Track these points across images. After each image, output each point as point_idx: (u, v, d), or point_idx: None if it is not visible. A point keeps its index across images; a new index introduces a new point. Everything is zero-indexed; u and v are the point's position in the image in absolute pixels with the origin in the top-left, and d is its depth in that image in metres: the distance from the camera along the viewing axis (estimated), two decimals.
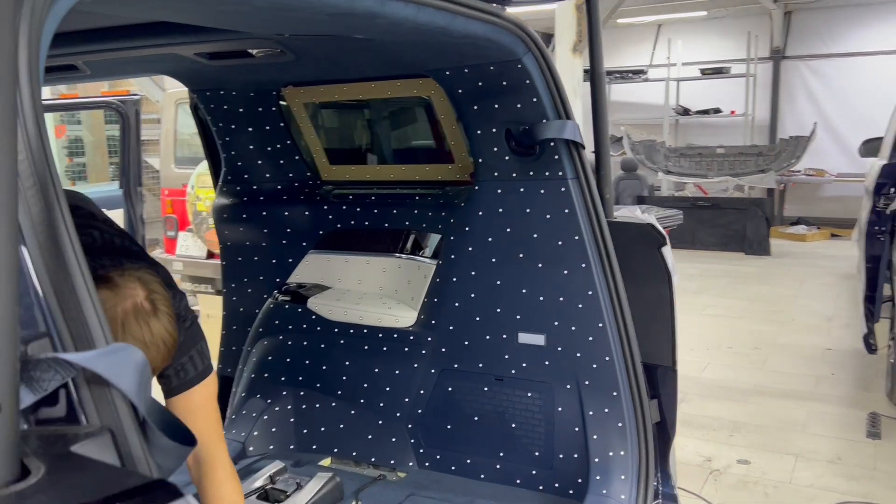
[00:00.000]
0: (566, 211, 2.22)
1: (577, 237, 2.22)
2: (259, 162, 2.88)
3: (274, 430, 2.77)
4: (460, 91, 2.29)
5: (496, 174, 2.33)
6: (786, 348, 6.22)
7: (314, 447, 2.73)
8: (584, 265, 2.22)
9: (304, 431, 2.75)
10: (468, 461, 2.49)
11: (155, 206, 8.88)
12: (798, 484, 3.92)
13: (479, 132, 2.32)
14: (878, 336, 5.16)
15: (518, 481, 2.42)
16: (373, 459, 2.65)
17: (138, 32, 1.90)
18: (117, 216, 5.00)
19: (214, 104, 2.81)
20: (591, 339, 2.24)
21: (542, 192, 2.26)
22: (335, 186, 2.90)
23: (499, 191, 2.34)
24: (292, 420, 2.77)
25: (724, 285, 8.64)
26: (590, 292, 2.22)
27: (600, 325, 2.22)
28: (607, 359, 2.22)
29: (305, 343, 2.77)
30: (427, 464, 2.56)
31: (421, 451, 2.57)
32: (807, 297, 8.00)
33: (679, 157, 11.35)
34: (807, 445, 4.35)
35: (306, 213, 2.85)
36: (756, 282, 8.82)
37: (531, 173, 2.27)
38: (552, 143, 2.20)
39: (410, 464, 2.58)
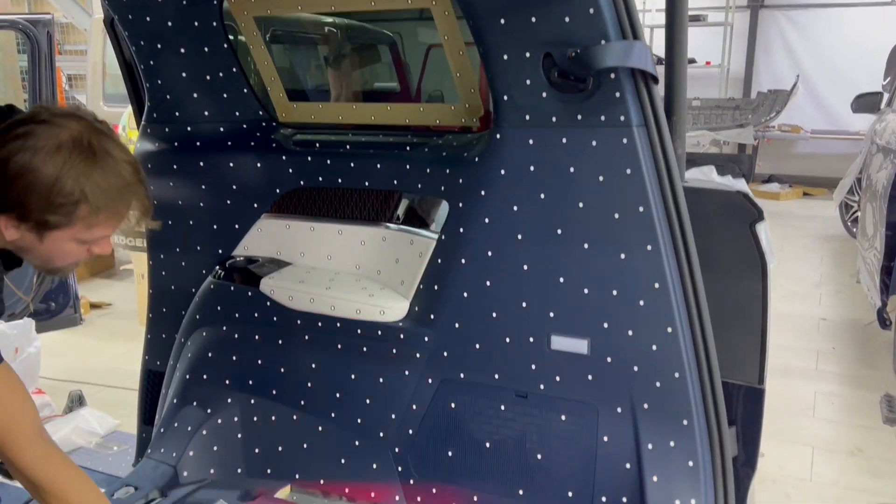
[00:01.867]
0: (628, 171, 1.59)
1: (641, 208, 1.59)
2: (194, 95, 2.16)
3: (215, 448, 2.12)
4: None
5: (527, 118, 1.67)
6: (778, 317, 5.78)
7: (269, 472, 2.09)
8: (649, 247, 1.60)
9: (256, 452, 2.11)
10: (475, 499, 1.89)
11: None
12: (820, 482, 3.47)
13: (504, 57, 1.65)
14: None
15: None
16: (346, 491, 2.03)
17: None
18: None
19: (134, 14, 2.07)
20: (654, 347, 1.64)
21: (594, 143, 1.61)
22: (296, 131, 2.21)
23: (530, 141, 1.68)
24: (240, 436, 2.12)
25: None
26: (656, 285, 1.61)
27: (669, 329, 1.62)
28: (677, 375, 1.63)
29: (257, 337, 2.10)
30: (419, 499, 1.96)
31: (411, 482, 1.96)
32: (789, 261, 7.60)
33: None
34: (821, 434, 3.91)
35: (258, 164, 2.16)
36: None
37: (579, 117, 1.62)
38: (612, 75, 1.55)
39: (397, 498, 1.97)
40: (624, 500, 1.72)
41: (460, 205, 1.81)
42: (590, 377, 1.71)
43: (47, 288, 4.30)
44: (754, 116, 10.10)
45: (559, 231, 1.69)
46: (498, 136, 1.73)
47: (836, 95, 11.19)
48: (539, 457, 1.80)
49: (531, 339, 1.76)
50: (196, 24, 2.09)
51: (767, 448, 3.73)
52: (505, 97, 1.69)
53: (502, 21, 1.62)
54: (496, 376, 1.81)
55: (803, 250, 8.10)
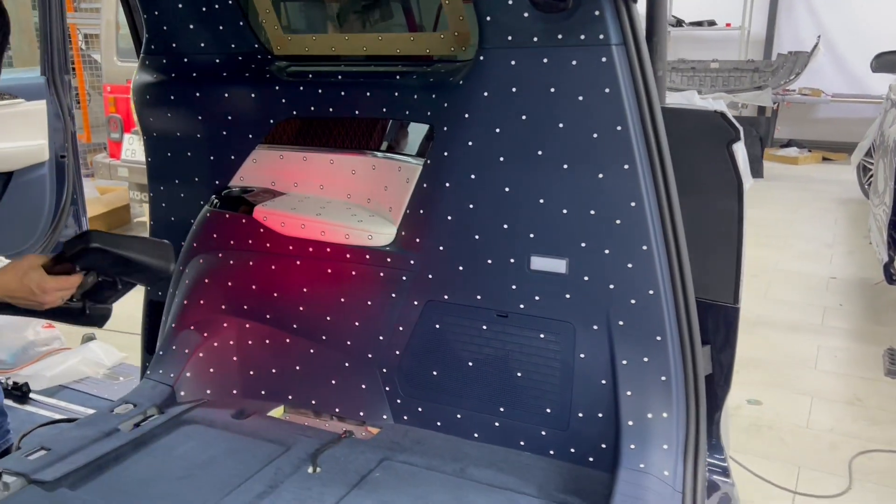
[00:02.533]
0: (606, 90, 1.61)
1: (619, 127, 1.62)
2: (191, 26, 2.20)
3: (211, 370, 2.19)
4: None
5: (510, 38, 1.69)
6: (787, 276, 5.78)
7: (262, 393, 2.17)
8: (626, 166, 1.63)
9: (250, 374, 2.18)
10: (458, 416, 1.95)
11: (101, 105, 8.04)
12: (816, 428, 3.50)
13: None
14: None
15: (522, 443, 1.89)
16: (337, 411, 2.10)
17: None
18: (40, 107, 4.26)
19: None
20: (630, 266, 1.67)
21: (574, 63, 1.63)
22: (291, 63, 2.24)
23: (512, 62, 1.71)
24: (235, 359, 2.19)
25: None
26: (633, 203, 1.64)
27: (644, 247, 1.65)
28: (651, 293, 1.66)
29: (251, 263, 2.16)
30: (406, 418, 2.02)
31: (398, 401, 2.02)
32: (804, 223, 7.56)
33: (671, 70, 10.64)
34: (821, 384, 3.93)
35: (252, 95, 2.19)
36: (749, 205, 8.31)
37: (559, 36, 1.63)
38: None
39: (384, 417, 2.04)
40: (600, 415, 1.77)
41: (445, 129, 1.84)
42: (567, 296, 1.75)
43: (61, 234, 4.39)
44: (773, 79, 9.95)
45: (539, 152, 1.71)
46: (482, 58, 1.75)
47: (858, 57, 10.94)
48: (519, 374, 1.85)
49: (512, 260, 1.80)
50: None
51: (766, 397, 3.78)
52: (488, 18, 1.71)
53: None
54: (478, 297, 1.86)
55: (819, 212, 8.03)
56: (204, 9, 2.19)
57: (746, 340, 4.45)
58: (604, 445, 1.79)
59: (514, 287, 1.81)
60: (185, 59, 2.23)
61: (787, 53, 10.27)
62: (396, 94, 1.99)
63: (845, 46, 11.32)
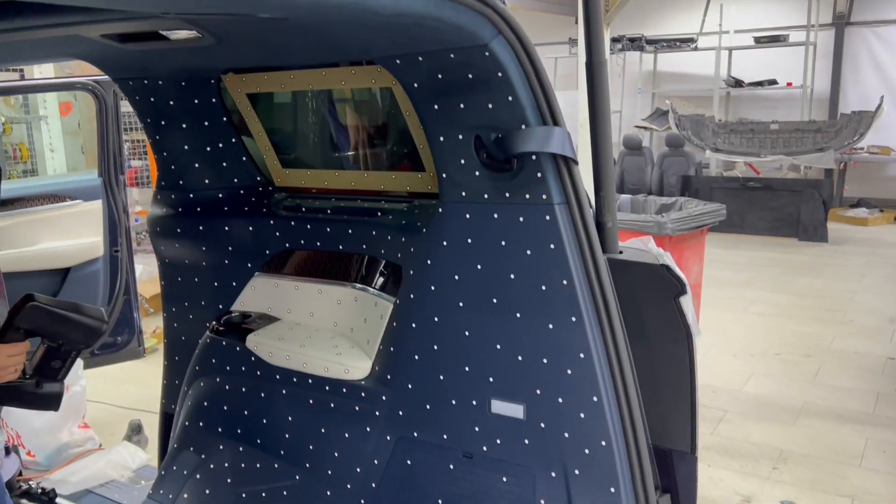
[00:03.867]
0: (551, 246, 1.67)
1: (564, 281, 1.66)
2: (196, 165, 2.38)
3: (207, 492, 2.30)
4: (416, 85, 1.74)
5: (463, 194, 1.78)
6: (841, 356, 5.55)
7: None
8: (573, 318, 1.67)
9: (243, 496, 2.27)
10: None
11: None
12: None
13: (441, 139, 1.77)
14: None
15: None
16: None
17: (27, 10, 1.49)
18: (96, 207, 4.59)
19: (140, 95, 2.31)
20: (582, 415, 1.70)
21: (521, 219, 1.70)
22: (289, 195, 2.39)
23: (467, 215, 1.79)
24: (229, 481, 2.30)
25: (773, 276, 7.92)
26: (581, 355, 1.67)
27: (594, 398, 1.67)
28: (603, 443, 1.68)
29: (244, 389, 2.28)
30: None
31: None
32: (867, 293, 7.24)
33: (729, 133, 10.51)
34: (864, 484, 3.73)
35: (250, 227, 2.34)
36: (810, 273, 8.07)
37: (507, 195, 1.71)
38: (534, 157, 1.64)
39: None
40: None
41: (411, 272, 1.93)
42: (526, 441, 1.78)
43: (114, 323, 4.67)
44: (836, 140, 9.69)
45: (494, 300, 1.77)
46: (440, 209, 1.84)
47: None
48: None
49: (474, 402, 1.85)
50: (196, 101, 2.30)
51: (801, 498, 3.63)
52: (444, 175, 1.80)
53: (436, 106, 1.74)
54: (444, 436, 1.90)
55: (885, 280, 7.70)
56: (208, 148, 2.37)
57: (788, 432, 4.30)
58: None
59: (476, 429, 1.85)
60: (191, 195, 2.41)
61: (851, 113, 10.01)
62: (374, 232, 2.09)
63: None
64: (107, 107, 4.46)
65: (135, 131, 8.02)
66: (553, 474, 1.76)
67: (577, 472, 1.72)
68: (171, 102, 2.31)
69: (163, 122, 2.35)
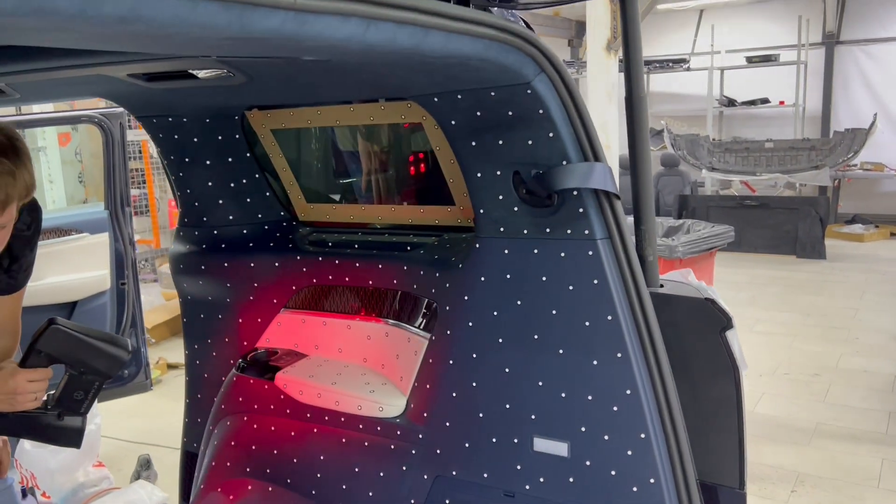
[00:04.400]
0: (595, 281, 1.65)
1: (609, 317, 1.65)
2: (220, 202, 2.36)
3: None
4: (453, 122, 1.73)
5: (502, 230, 1.77)
6: (850, 375, 5.54)
7: None
8: (619, 354, 1.65)
9: None
10: None
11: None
12: None
13: (479, 175, 1.76)
14: None
15: None
16: None
17: (55, 50, 1.47)
18: (103, 240, 4.56)
19: (164, 133, 2.30)
20: (629, 452, 1.68)
21: (563, 255, 1.69)
22: (314, 230, 2.37)
23: (506, 251, 1.77)
24: None
25: (775, 295, 7.94)
26: (628, 391, 1.65)
27: (642, 434, 1.65)
28: (652, 481, 1.66)
29: (273, 428, 2.24)
30: None
31: None
32: (869, 310, 7.27)
33: (724, 151, 10.60)
34: None
35: (276, 263, 2.32)
36: (811, 291, 8.10)
37: (548, 230, 1.70)
38: (575, 192, 1.63)
39: None
40: None
41: (447, 308, 1.91)
42: (571, 479, 1.76)
43: None
44: (831, 157, 9.78)
45: (535, 336, 1.76)
46: (478, 245, 1.83)
47: None
48: None
49: (515, 440, 1.82)
50: (220, 137, 2.29)
51: None
52: (481, 210, 1.79)
53: (474, 143, 1.73)
54: (485, 475, 1.88)
55: (886, 297, 7.73)
56: (232, 185, 2.35)
57: (803, 453, 4.28)
58: None
59: (518, 467, 1.83)
60: (216, 231, 2.39)
61: (845, 131, 10.12)
62: (405, 267, 2.08)
63: None
64: (113, 140, 4.45)
65: (133, 160, 8.00)
66: None
67: None
68: (195, 140, 2.29)
69: (186, 160, 2.33)
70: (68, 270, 4.33)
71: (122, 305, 4.60)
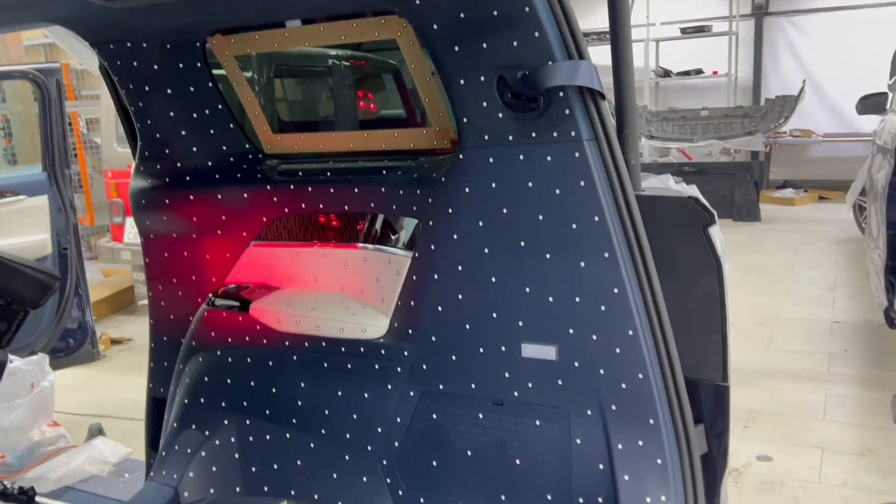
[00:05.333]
0: (582, 183, 1.67)
1: (596, 217, 1.67)
2: (183, 133, 2.28)
3: (214, 469, 2.21)
4: (435, 27, 1.71)
5: (486, 138, 1.76)
6: (791, 323, 5.78)
7: (265, 489, 2.18)
8: (606, 254, 1.67)
9: (252, 470, 2.19)
10: None
11: (103, 187, 8.19)
12: (829, 483, 3.46)
13: (462, 82, 1.74)
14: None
15: None
16: (339, 503, 2.11)
17: None
18: (42, 202, 4.36)
19: (121, 60, 2.20)
20: (618, 350, 1.70)
21: (549, 159, 1.69)
22: (281, 161, 2.32)
23: (490, 159, 1.77)
24: (237, 456, 2.21)
25: None
26: (615, 290, 1.68)
27: (630, 332, 1.68)
28: (640, 376, 1.69)
29: (249, 360, 2.19)
30: None
31: (400, 493, 2.03)
32: (804, 266, 7.58)
33: (661, 120, 10.83)
34: (830, 436, 3.90)
35: (244, 195, 2.26)
36: (749, 250, 8.38)
37: (533, 135, 1.70)
38: (561, 93, 1.64)
39: None
40: (600, 500, 1.78)
41: (431, 223, 1.90)
42: (560, 382, 1.78)
43: (65, 325, 4.45)
44: (763, 123, 10.10)
45: (522, 243, 1.76)
46: (461, 156, 1.82)
47: (846, 98, 11.13)
48: (518, 462, 1.86)
49: (503, 349, 1.83)
50: (181, 65, 2.21)
51: (775, 452, 3.75)
52: (465, 119, 1.78)
53: (456, 48, 1.71)
54: (473, 386, 1.88)
55: (819, 254, 8.06)
56: (194, 115, 2.27)
57: (754, 393, 4.45)
58: None
59: (507, 375, 1.84)
60: (178, 164, 2.31)
61: (775, 98, 10.46)
62: (383, 189, 2.05)
63: (832, 88, 11.53)
64: (50, 98, 4.25)
65: None
66: (589, 412, 1.76)
67: (613, 407, 1.73)
68: (155, 67, 2.21)
69: (146, 89, 2.24)
70: (6, 235, 4.13)
71: (66, 271, 4.42)
